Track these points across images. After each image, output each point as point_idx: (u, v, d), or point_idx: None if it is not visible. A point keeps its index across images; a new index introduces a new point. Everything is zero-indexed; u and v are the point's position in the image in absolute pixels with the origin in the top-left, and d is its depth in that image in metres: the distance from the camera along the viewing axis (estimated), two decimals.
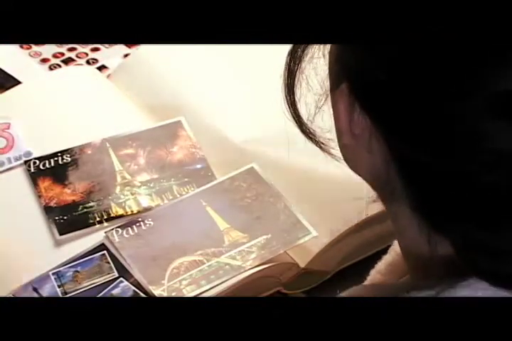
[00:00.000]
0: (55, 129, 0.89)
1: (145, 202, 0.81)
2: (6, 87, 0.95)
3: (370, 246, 0.82)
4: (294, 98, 0.48)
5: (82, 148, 0.85)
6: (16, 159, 0.85)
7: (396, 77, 0.37)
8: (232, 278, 0.75)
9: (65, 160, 0.84)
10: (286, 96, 0.48)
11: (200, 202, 0.81)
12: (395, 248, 0.60)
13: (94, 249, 0.77)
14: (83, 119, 0.90)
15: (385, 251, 0.62)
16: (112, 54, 1.02)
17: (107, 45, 1.04)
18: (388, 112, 0.38)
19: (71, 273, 0.76)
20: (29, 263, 0.77)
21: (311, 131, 0.50)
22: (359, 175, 0.45)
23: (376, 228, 0.81)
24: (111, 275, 0.76)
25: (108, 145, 0.86)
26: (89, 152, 0.85)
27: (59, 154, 0.85)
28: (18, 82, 0.96)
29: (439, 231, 0.40)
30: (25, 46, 1.03)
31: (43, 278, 0.75)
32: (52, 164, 0.84)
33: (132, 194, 0.82)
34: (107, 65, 1.01)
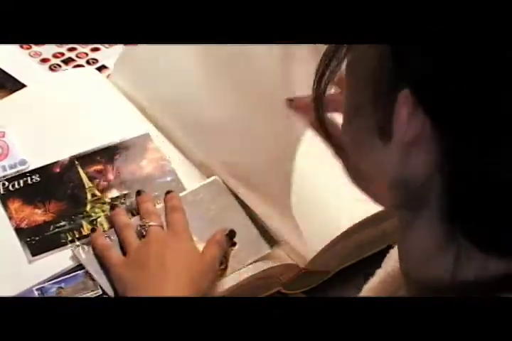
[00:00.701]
0: (51, 137, 0.89)
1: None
2: (6, 87, 0.95)
3: (370, 246, 0.83)
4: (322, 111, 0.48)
5: (50, 167, 0.85)
6: (11, 167, 0.85)
7: (465, 81, 0.36)
8: None
9: (34, 180, 0.84)
10: (316, 118, 0.48)
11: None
12: (387, 265, 0.60)
13: (78, 265, 0.77)
14: (81, 126, 0.90)
15: (385, 252, 0.62)
16: (111, 54, 1.02)
17: (107, 45, 1.04)
18: (457, 116, 0.37)
19: (55, 289, 0.75)
20: (2, 285, 0.76)
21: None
22: (380, 181, 0.45)
23: (376, 228, 0.81)
24: (95, 292, 0.75)
25: (76, 162, 0.86)
26: (58, 170, 0.85)
27: (28, 174, 0.84)
28: (18, 82, 0.96)
29: (473, 241, 0.40)
30: (25, 46, 1.03)
31: (26, 294, 0.75)
32: (22, 184, 0.84)
33: (103, 211, 0.82)
34: (107, 64, 1.01)
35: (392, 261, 0.59)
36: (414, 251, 0.45)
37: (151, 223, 0.77)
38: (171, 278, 0.71)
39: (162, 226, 0.77)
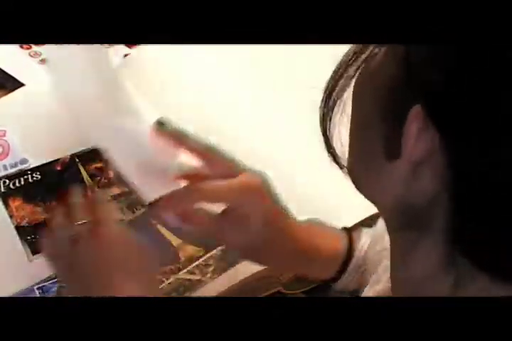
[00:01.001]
0: (51, 135, 0.88)
1: (117, 216, 0.81)
2: (6, 87, 0.95)
3: None
4: (329, 130, 0.48)
5: (51, 165, 0.85)
6: (12, 166, 0.85)
7: (478, 96, 0.36)
8: (194, 293, 0.75)
9: (34, 178, 0.84)
10: (322, 134, 0.48)
11: (150, 220, 0.80)
12: (377, 285, 0.59)
13: None
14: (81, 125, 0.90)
15: None
16: (112, 54, 1.02)
17: (107, 45, 1.04)
18: (467, 131, 0.37)
19: (56, 288, 0.75)
20: (2, 284, 0.76)
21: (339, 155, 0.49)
22: (382, 202, 0.45)
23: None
24: None
25: (77, 160, 0.86)
26: (59, 168, 0.85)
27: (28, 172, 0.84)
28: (18, 82, 0.96)
29: (476, 261, 0.40)
30: (25, 46, 1.03)
31: (28, 293, 0.75)
32: (23, 183, 0.84)
33: None
34: None
35: (382, 282, 0.58)
36: (412, 274, 0.44)
37: (79, 222, 0.71)
38: (113, 283, 0.64)
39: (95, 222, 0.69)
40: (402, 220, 0.43)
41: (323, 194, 0.83)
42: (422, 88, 0.38)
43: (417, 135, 0.38)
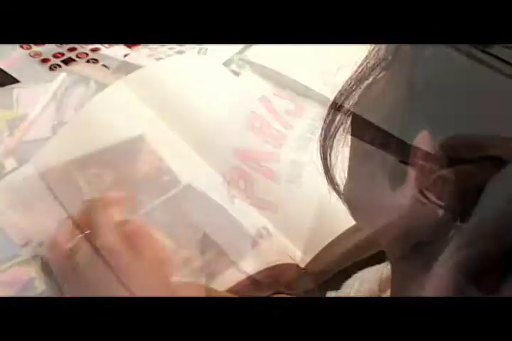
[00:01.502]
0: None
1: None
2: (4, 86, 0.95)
3: (371, 246, 0.83)
4: (329, 163, 0.47)
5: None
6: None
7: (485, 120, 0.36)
8: None
9: None
10: (321, 160, 0.47)
11: None
12: None
13: None
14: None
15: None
16: (112, 54, 1.02)
17: (107, 45, 1.04)
18: (476, 157, 0.36)
19: None
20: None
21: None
22: (382, 231, 0.44)
23: None
24: None
25: (72, 167, 0.85)
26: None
27: None
28: (18, 83, 0.96)
29: (482, 290, 0.39)
30: (25, 46, 1.03)
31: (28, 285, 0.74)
32: None
33: None
34: (107, 65, 1.01)
35: None
36: None
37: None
38: None
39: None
40: (404, 250, 0.42)
41: (324, 193, 0.83)
42: (428, 114, 0.38)
43: (425, 159, 0.38)
